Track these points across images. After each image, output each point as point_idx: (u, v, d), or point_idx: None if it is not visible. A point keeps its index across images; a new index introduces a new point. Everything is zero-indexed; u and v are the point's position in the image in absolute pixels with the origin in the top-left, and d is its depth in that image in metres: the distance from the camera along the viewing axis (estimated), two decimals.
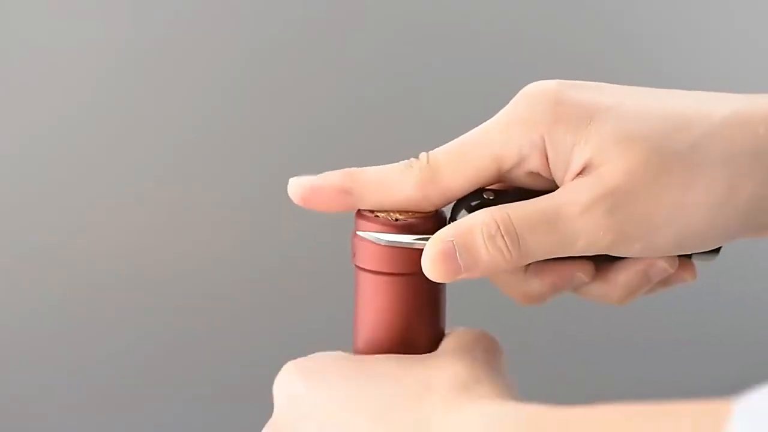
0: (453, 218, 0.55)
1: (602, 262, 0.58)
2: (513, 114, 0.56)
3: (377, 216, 0.55)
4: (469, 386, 0.52)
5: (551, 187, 0.55)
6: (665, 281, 0.59)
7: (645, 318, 1.30)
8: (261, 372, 1.21)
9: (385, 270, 0.54)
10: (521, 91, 0.56)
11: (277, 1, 1.23)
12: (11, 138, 1.20)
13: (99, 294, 1.21)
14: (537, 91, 0.56)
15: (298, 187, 0.59)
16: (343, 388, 0.53)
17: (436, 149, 0.57)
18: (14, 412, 1.18)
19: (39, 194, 1.20)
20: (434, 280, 0.53)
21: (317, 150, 1.24)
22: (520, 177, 0.55)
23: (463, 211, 0.55)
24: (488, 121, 0.56)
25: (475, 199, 0.55)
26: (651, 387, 1.24)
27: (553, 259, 0.55)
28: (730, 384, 1.27)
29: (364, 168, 0.58)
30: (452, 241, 0.53)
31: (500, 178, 0.56)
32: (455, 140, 0.56)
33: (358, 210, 0.57)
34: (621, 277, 0.58)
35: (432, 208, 0.55)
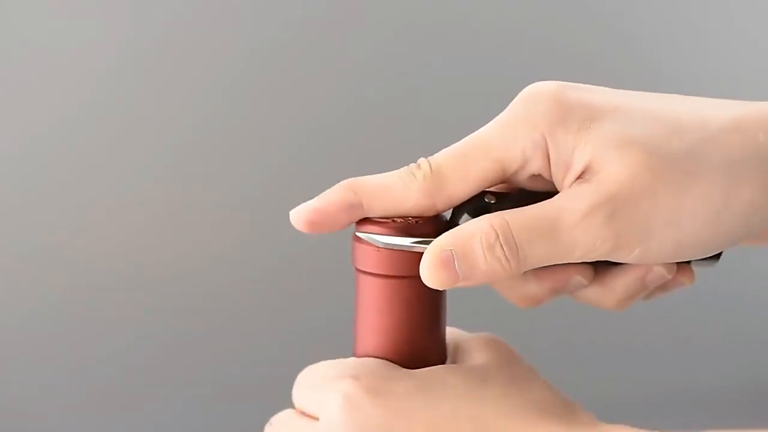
0: (454, 221, 0.55)
1: (601, 267, 0.57)
2: (514, 115, 0.55)
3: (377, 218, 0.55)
4: (568, 412, 0.52)
5: (553, 189, 0.54)
6: (663, 286, 0.59)
7: (645, 319, 1.30)
8: (261, 372, 1.21)
9: (384, 273, 0.54)
10: (521, 93, 0.56)
11: (277, 1, 1.23)
12: (11, 138, 1.20)
13: (99, 294, 1.21)
14: (537, 92, 0.55)
15: (301, 214, 0.58)
16: (425, 414, 0.51)
17: (437, 154, 0.56)
18: (14, 412, 1.18)
19: (39, 194, 1.20)
20: (432, 287, 0.53)
21: (317, 150, 1.24)
22: (523, 180, 0.55)
23: (465, 216, 0.55)
24: (489, 124, 0.56)
25: (476, 203, 0.55)
26: (651, 387, 1.24)
27: None
28: (730, 384, 1.27)
29: (364, 178, 0.58)
30: (451, 249, 0.53)
31: (504, 180, 0.55)
32: (456, 144, 0.56)
33: None
34: (618, 283, 0.58)
35: (436, 213, 0.55)
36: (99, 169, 1.21)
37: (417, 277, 0.53)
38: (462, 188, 0.54)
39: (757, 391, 1.24)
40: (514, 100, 0.56)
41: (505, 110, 0.56)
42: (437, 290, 0.54)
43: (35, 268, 1.20)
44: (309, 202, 0.59)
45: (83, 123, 1.20)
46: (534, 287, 0.58)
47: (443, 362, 0.56)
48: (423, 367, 0.55)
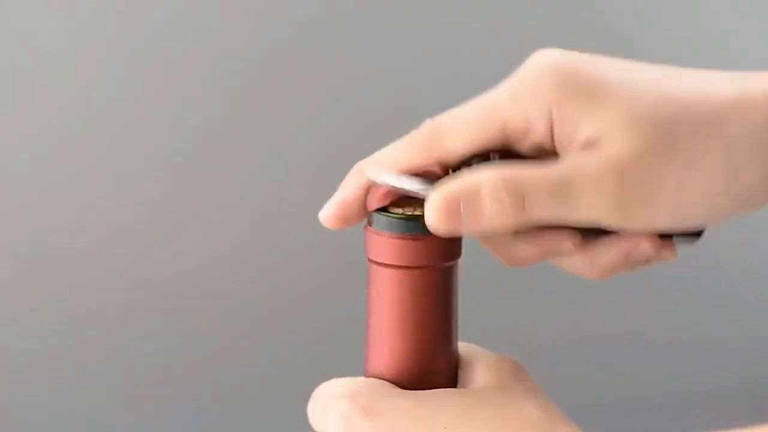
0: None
1: (588, 236, 0.58)
2: (521, 83, 0.56)
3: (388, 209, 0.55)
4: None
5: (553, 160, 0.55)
6: (646, 260, 0.59)
7: (646, 319, 1.30)
8: (261, 372, 1.22)
9: (396, 263, 0.54)
10: (530, 61, 0.56)
11: (277, 1, 1.23)
12: (11, 138, 1.20)
13: (99, 294, 1.21)
14: (547, 61, 0.56)
15: (329, 214, 0.58)
16: None
17: (440, 115, 0.57)
18: (14, 412, 1.18)
19: (39, 194, 1.20)
20: (434, 232, 0.53)
21: (317, 150, 1.24)
22: (524, 148, 0.55)
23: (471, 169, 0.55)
24: (496, 89, 0.56)
25: (481, 160, 0.55)
26: (651, 387, 1.25)
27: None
28: (730, 383, 1.27)
29: (370, 157, 0.58)
30: (458, 193, 0.53)
31: (504, 146, 0.56)
32: (462, 105, 0.56)
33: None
34: (604, 255, 0.58)
35: (444, 173, 0.55)
36: (99, 169, 1.21)
37: (429, 267, 0.54)
38: (461, 144, 0.55)
39: (758, 390, 1.24)
40: (524, 67, 0.56)
41: (514, 76, 0.56)
42: (449, 287, 0.55)
43: (35, 268, 1.20)
44: (329, 202, 0.59)
45: (83, 123, 1.21)
46: (524, 248, 0.59)
47: (455, 374, 0.56)
48: (433, 373, 0.55)
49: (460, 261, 0.55)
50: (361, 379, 0.55)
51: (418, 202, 0.55)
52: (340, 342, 1.14)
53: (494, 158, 0.56)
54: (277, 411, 1.16)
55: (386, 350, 0.55)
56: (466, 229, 0.54)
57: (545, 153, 0.56)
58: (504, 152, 0.56)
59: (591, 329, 1.27)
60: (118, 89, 1.21)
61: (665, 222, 0.55)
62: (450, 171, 0.56)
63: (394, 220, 0.54)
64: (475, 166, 0.55)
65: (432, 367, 0.55)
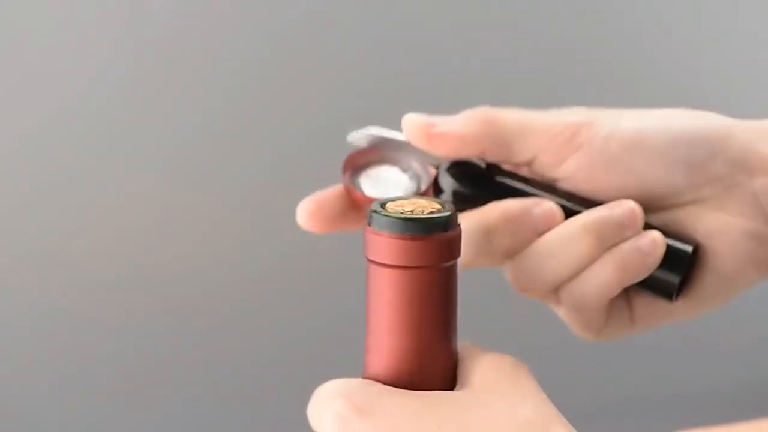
0: (439, 173, 0.58)
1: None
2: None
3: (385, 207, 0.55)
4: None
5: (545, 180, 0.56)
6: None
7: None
8: (261, 372, 1.22)
9: (396, 263, 0.54)
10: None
11: (277, 1, 1.23)
12: (11, 138, 1.20)
13: (99, 294, 1.21)
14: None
15: (302, 208, 0.60)
16: None
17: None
18: (14, 413, 1.18)
19: (39, 194, 1.20)
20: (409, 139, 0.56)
21: (318, 150, 1.24)
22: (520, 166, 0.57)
23: (445, 172, 0.57)
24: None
25: (467, 165, 0.57)
26: (652, 387, 1.24)
27: None
28: (730, 383, 1.27)
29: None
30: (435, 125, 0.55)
31: (505, 160, 0.57)
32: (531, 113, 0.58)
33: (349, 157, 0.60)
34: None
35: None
36: (99, 169, 1.21)
37: (428, 267, 0.54)
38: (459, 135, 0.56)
39: (758, 390, 1.24)
40: None
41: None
42: (448, 287, 0.55)
43: (35, 268, 1.20)
44: (311, 201, 0.60)
45: (84, 123, 1.20)
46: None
47: (454, 374, 0.56)
48: (432, 373, 0.55)
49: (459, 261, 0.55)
50: (357, 379, 0.55)
51: (417, 202, 0.56)
52: (340, 342, 1.14)
53: (481, 164, 0.57)
54: (278, 411, 1.16)
55: (385, 350, 0.55)
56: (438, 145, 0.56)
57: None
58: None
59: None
60: (118, 89, 1.21)
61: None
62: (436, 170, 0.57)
63: (394, 219, 0.54)
64: (451, 172, 0.57)
65: (431, 367, 0.55)
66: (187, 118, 1.22)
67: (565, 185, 0.56)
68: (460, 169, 0.57)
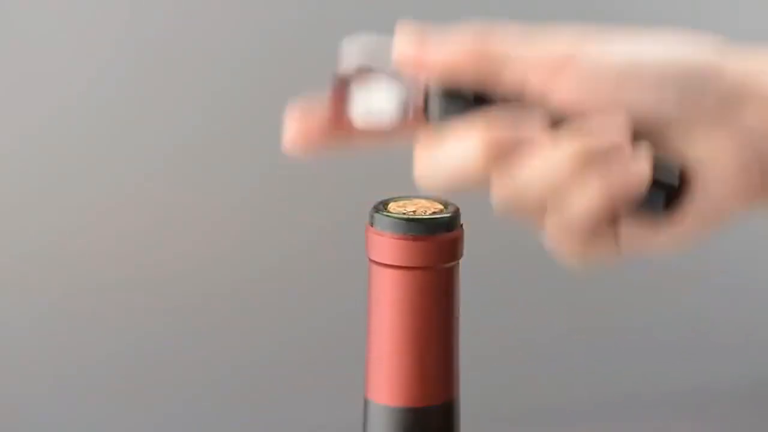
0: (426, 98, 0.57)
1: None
2: None
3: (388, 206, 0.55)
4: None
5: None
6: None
7: (647, 318, 1.30)
8: (261, 372, 1.22)
9: (397, 263, 0.54)
10: None
11: (277, 1, 1.23)
12: (11, 138, 1.20)
13: (99, 294, 1.21)
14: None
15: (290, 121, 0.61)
16: None
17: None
18: (14, 413, 1.18)
19: (39, 194, 1.20)
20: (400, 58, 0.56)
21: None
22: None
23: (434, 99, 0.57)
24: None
25: (460, 92, 0.57)
26: (653, 387, 1.25)
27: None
28: (731, 384, 1.27)
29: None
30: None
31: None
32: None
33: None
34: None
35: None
36: (99, 169, 1.21)
37: (429, 268, 0.54)
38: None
39: (759, 390, 1.24)
40: None
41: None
42: (450, 288, 0.55)
43: (35, 268, 1.20)
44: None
45: (83, 123, 1.20)
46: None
47: (456, 376, 0.56)
48: (433, 375, 0.55)
49: (462, 261, 0.55)
50: None
51: (419, 202, 0.56)
52: (340, 342, 1.14)
53: (468, 95, 0.57)
54: (278, 411, 1.16)
55: (387, 351, 0.55)
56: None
57: None
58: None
59: (593, 329, 1.27)
60: (118, 89, 1.21)
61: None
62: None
63: (396, 220, 0.54)
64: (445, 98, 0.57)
65: (432, 368, 0.55)
66: (187, 118, 1.22)
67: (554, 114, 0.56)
68: (448, 96, 0.57)
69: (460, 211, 0.56)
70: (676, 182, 0.57)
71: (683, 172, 0.56)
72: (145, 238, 1.22)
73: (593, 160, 0.55)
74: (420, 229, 0.54)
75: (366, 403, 0.56)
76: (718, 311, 1.31)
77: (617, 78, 0.55)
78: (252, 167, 1.24)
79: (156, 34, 1.20)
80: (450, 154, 0.54)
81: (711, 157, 0.56)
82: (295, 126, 0.60)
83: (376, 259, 0.54)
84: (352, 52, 0.58)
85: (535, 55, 0.57)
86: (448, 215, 0.54)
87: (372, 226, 0.55)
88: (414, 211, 0.55)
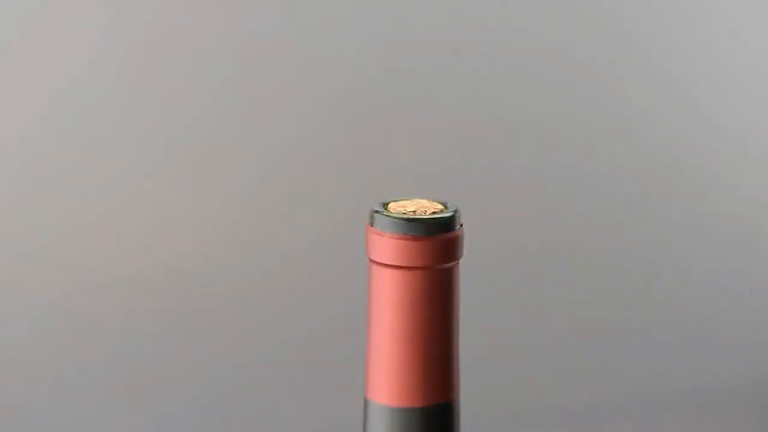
0: None
1: None
2: None
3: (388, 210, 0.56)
4: None
5: None
6: None
7: (647, 318, 1.30)
8: (261, 372, 1.22)
9: (397, 263, 0.55)
10: None
11: (277, 1, 1.23)
12: (11, 138, 1.20)
13: (99, 294, 1.21)
14: None
15: None
16: None
17: None
18: (14, 412, 1.18)
19: (39, 194, 1.20)
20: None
21: (318, 150, 1.25)
22: None
23: None
24: None
25: None
26: (653, 387, 1.25)
27: None
28: (731, 383, 1.27)
29: None
30: None
31: None
32: None
33: None
34: None
35: None
36: (98, 169, 1.21)
37: (429, 268, 0.54)
38: None
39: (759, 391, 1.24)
40: None
41: None
42: (450, 288, 0.55)
43: (35, 268, 1.20)
44: None
45: (83, 122, 1.21)
46: None
47: (457, 374, 0.56)
48: (433, 374, 0.55)
49: (462, 261, 0.55)
50: None
51: (420, 202, 0.56)
52: (340, 342, 1.14)
53: None
54: (278, 411, 1.16)
55: (387, 351, 0.55)
56: None
57: None
58: None
59: (593, 329, 1.28)
60: (118, 89, 1.21)
61: None
62: None
63: (396, 220, 0.54)
64: None
65: (432, 368, 0.55)
66: (187, 118, 1.23)
67: None
68: None
69: (460, 211, 0.56)
70: None
71: None
72: (145, 238, 1.22)
73: None
74: (420, 229, 0.54)
75: (366, 403, 0.56)
76: (718, 311, 1.31)
77: None
78: (252, 167, 1.24)
79: (157, 33, 1.21)
80: None
81: None
82: None
83: (376, 259, 0.55)
84: None
85: None
86: (448, 215, 0.55)
87: (372, 226, 0.55)
88: (414, 211, 0.55)
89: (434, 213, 0.54)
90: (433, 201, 0.56)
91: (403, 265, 0.54)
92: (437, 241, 0.54)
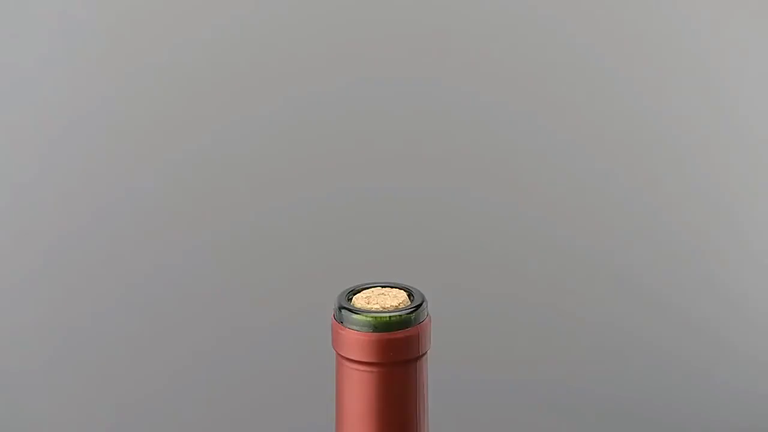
0: None
1: None
2: None
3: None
4: None
5: None
6: None
7: (648, 317, 1.30)
8: (261, 372, 1.22)
9: (362, 359, 0.54)
10: None
11: (277, 1, 1.23)
12: (11, 138, 1.20)
13: (99, 294, 1.21)
14: None
15: None
16: None
17: None
18: (14, 412, 1.18)
19: (39, 194, 1.20)
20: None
21: (318, 150, 1.24)
22: None
23: None
24: None
25: None
26: (647, 390, 1.25)
27: None
28: (732, 385, 1.27)
29: None
30: None
31: None
32: None
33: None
34: None
35: None
36: (98, 169, 1.21)
37: (395, 363, 0.54)
38: None
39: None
40: None
41: None
42: (415, 382, 0.54)
43: (35, 268, 1.20)
44: None
45: (83, 122, 1.20)
46: None
47: None
48: None
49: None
50: None
51: (384, 293, 0.56)
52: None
53: None
54: (278, 411, 1.16)
55: None
56: None
57: None
58: None
59: (592, 329, 1.27)
60: (119, 89, 1.21)
61: None
62: None
63: (361, 317, 0.54)
64: None
65: None
66: (187, 118, 1.22)
67: None
68: None
69: (427, 300, 0.56)
70: None
71: None
72: (145, 238, 1.22)
73: None
74: (385, 326, 0.54)
75: None
76: (719, 311, 1.31)
77: None
78: (252, 167, 1.24)
79: (157, 32, 1.20)
80: None
81: None
82: None
83: (342, 353, 0.55)
84: None
85: None
86: (413, 309, 0.54)
87: (336, 320, 0.55)
88: (381, 307, 0.55)
89: (399, 307, 0.54)
90: (399, 289, 0.56)
91: (369, 360, 0.54)
92: (404, 336, 0.54)
